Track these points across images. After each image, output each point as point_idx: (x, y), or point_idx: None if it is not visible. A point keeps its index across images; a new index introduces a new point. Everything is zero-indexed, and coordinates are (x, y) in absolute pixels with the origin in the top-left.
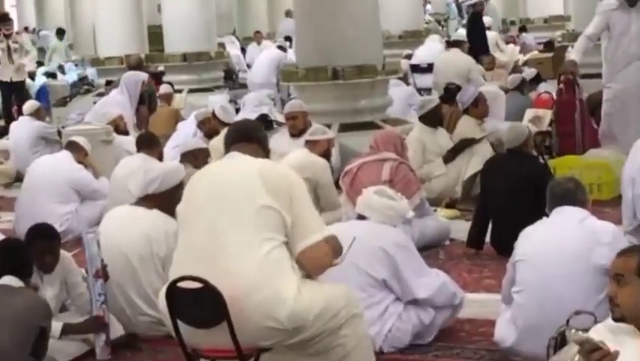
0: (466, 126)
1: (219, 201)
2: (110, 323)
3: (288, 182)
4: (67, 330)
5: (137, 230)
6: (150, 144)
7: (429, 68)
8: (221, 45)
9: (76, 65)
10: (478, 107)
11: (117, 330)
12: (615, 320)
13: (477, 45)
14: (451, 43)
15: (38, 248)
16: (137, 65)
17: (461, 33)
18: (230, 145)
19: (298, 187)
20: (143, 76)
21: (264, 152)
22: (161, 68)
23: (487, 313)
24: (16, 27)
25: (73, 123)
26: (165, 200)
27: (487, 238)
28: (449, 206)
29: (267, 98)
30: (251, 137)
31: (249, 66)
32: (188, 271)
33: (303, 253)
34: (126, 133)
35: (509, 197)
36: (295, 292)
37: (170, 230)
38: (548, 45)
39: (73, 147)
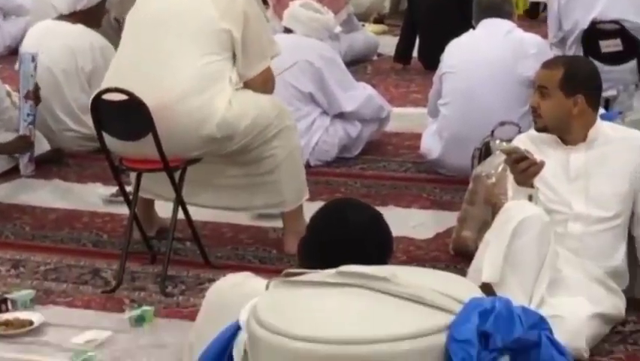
0: None
1: (168, 19)
2: (36, 138)
3: (241, 2)
4: None
5: (60, 43)
6: None
7: None
8: None
9: None
10: None
11: (43, 145)
12: (538, 130)
13: None
14: None
15: None
16: None
17: None
18: None
19: (252, 6)
20: None
21: None
22: None
23: (413, 127)
24: None
25: None
26: (91, 15)
27: (415, 53)
28: (377, 21)
29: None
30: None
31: None
32: (119, 83)
33: (253, 80)
34: None
35: (436, 10)
36: (226, 103)
37: (96, 44)
38: None
39: None
